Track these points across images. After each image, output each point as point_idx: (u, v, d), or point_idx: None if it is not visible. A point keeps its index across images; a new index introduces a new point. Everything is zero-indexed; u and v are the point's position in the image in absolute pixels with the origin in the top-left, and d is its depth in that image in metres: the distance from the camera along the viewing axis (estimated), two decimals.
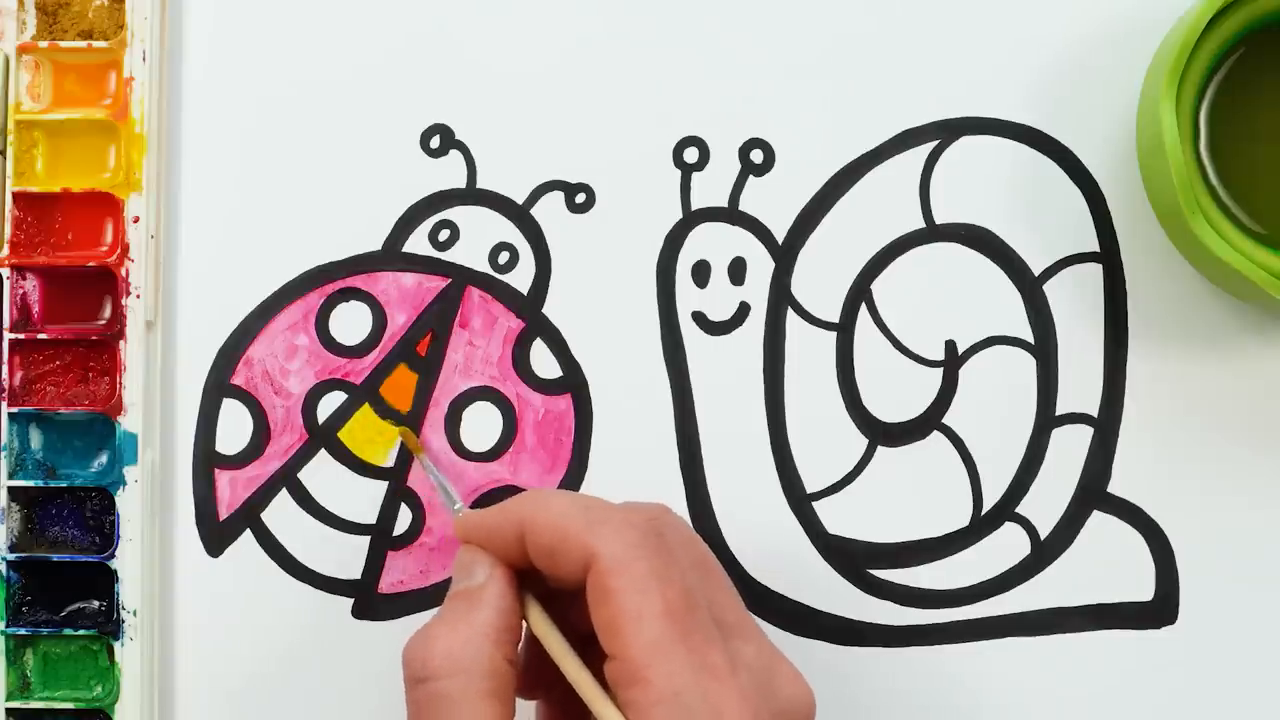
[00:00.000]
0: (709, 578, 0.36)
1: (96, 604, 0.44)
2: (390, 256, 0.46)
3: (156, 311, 0.45)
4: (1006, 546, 0.45)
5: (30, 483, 0.44)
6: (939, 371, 0.45)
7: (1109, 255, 0.45)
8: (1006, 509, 0.45)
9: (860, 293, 0.45)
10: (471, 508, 0.45)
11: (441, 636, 0.35)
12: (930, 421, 0.45)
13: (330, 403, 0.45)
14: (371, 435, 0.45)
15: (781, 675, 0.35)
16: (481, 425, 0.45)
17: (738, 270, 0.45)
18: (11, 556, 0.44)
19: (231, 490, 0.45)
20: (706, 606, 0.34)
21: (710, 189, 0.45)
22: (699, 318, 0.45)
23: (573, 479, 0.45)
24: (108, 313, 0.45)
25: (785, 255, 0.45)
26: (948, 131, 0.45)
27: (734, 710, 0.32)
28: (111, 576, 0.44)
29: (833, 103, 0.45)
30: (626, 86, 0.46)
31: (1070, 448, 0.45)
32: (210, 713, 0.45)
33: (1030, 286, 0.45)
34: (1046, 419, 0.45)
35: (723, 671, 0.33)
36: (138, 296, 0.44)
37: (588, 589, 0.34)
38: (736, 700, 0.33)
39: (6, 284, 0.44)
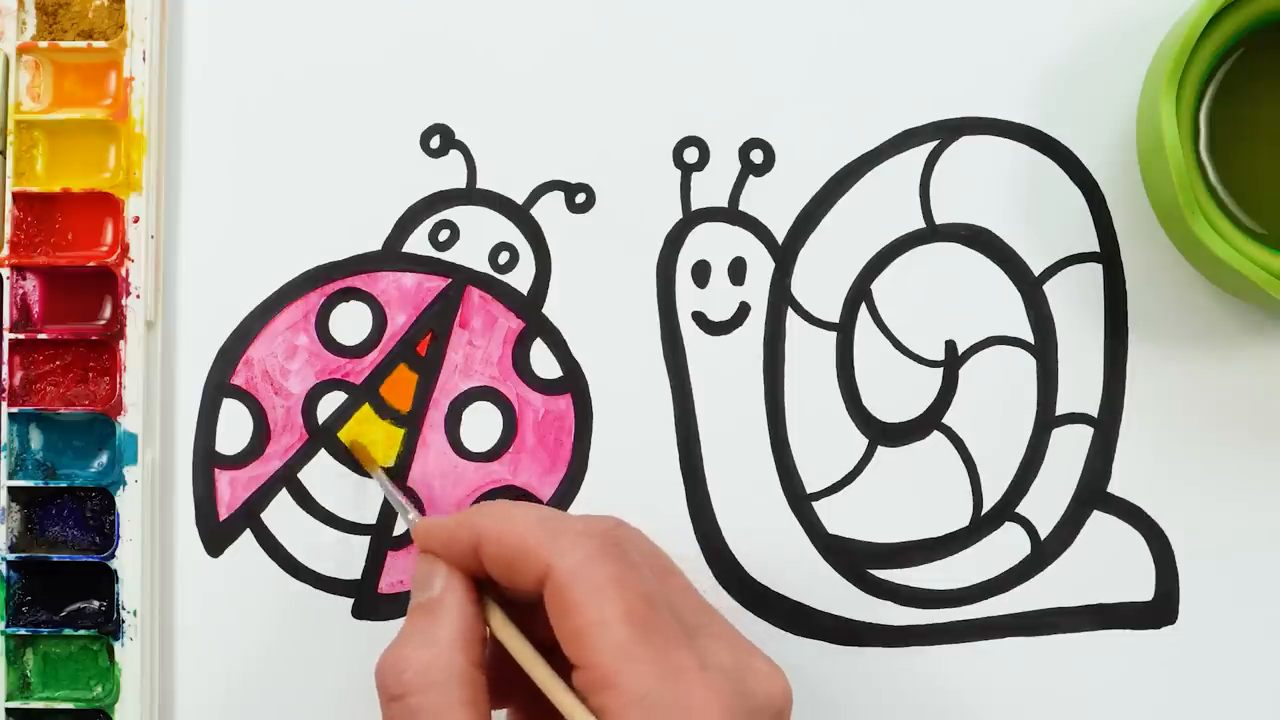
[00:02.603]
0: (669, 581, 0.36)
1: (96, 604, 0.44)
2: (390, 256, 0.46)
3: (156, 311, 0.45)
4: (1006, 546, 0.45)
5: (30, 483, 0.44)
6: (939, 371, 0.45)
7: (1109, 255, 0.45)
8: (1006, 509, 0.45)
9: (860, 293, 0.45)
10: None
11: (410, 651, 0.35)
12: (930, 421, 0.45)
13: (330, 403, 0.45)
14: (371, 436, 0.45)
15: (754, 670, 0.35)
16: (481, 425, 0.45)
17: (738, 270, 0.45)
18: (11, 556, 0.44)
19: (231, 490, 0.45)
20: (669, 609, 0.35)
21: (710, 189, 0.45)
22: (699, 318, 0.45)
23: (573, 479, 0.45)
24: (108, 313, 0.45)
25: (785, 255, 0.45)
26: (947, 131, 0.45)
27: (704, 707, 0.32)
28: (111, 576, 0.44)
29: (832, 103, 0.45)
30: (626, 86, 0.46)
31: (1070, 448, 0.45)
32: (210, 713, 0.45)
33: (1030, 286, 0.45)
34: (1046, 419, 0.45)
35: (690, 670, 0.33)
36: (138, 296, 0.44)
37: (547, 601, 0.34)
38: (706, 697, 0.33)
39: (6, 284, 0.44)
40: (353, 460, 0.45)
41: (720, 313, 0.45)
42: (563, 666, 0.35)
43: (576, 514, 0.37)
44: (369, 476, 0.45)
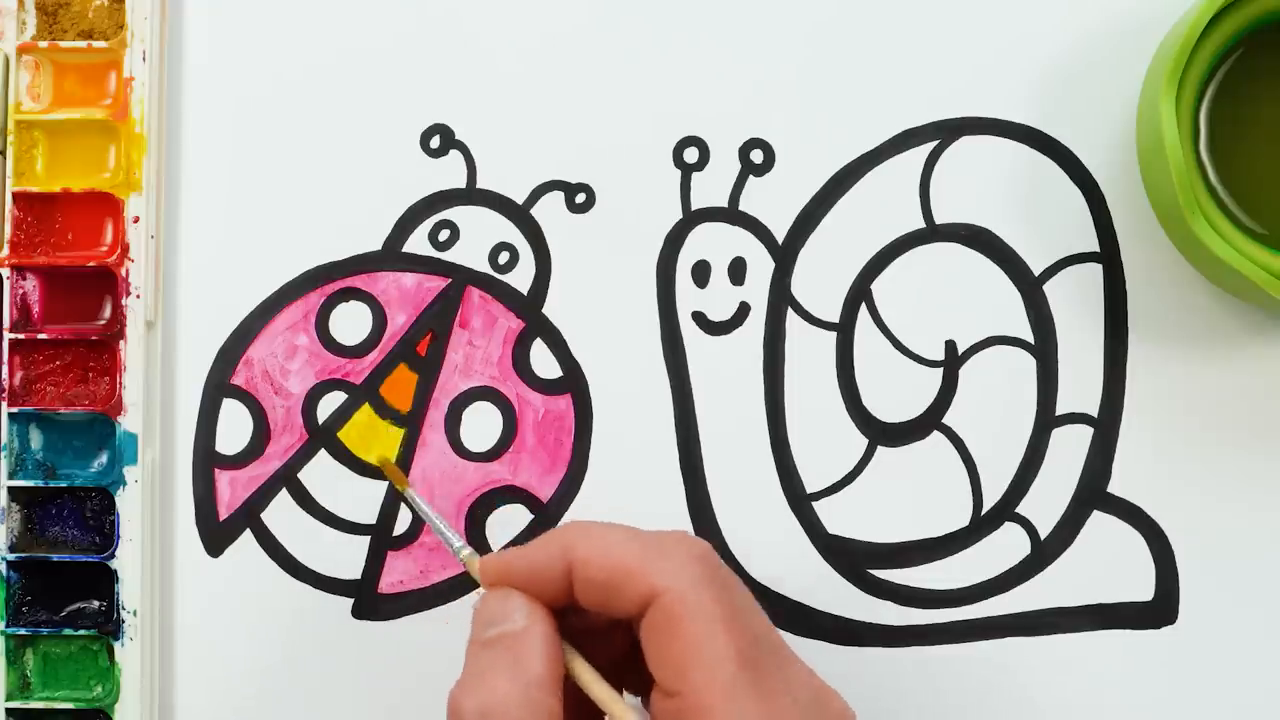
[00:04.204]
0: (757, 613, 0.35)
1: (96, 604, 0.44)
2: (390, 256, 0.46)
3: (156, 311, 0.45)
4: (1006, 546, 0.44)
5: (30, 483, 0.44)
6: (939, 371, 0.45)
7: (1109, 255, 0.45)
8: (1006, 509, 0.45)
9: (860, 293, 0.45)
10: (469, 513, 0.45)
11: (497, 692, 0.33)
12: (930, 421, 0.45)
13: (330, 403, 0.45)
14: (371, 436, 0.45)
15: (829, 704, 0.34)
16: (481, 425, 0.45)
17: (738, 270, 0.45)
18: (11, 556, 0.44)
19: (231, 490, 0.45)
20: (765, 643, 0.34)
21: (710, 189, 0.45)
22: (699, 318, 0.45)
23: (573, 479, 0.45)
24: (108, 313, 0.45)
25: (785, 255, 0.45)
26: (947, 131, 0.45)
27: None
28: (111, 576, 0.44)
29: (833, 103, 0.45)
30: (627, 86, 0.46)
31: (1070, 448, 0.45)
32: (210, 713, 0.45)
33: (1030, 286, 0.45)
34: (1046, 419, 0.45)
35: (787, 711, 0.32)
36: (138, 296, 0.44)
37: (648, 626, 0.33)
38: None
39: (6, 284, 0.44)
40: (353, 460, 0.45)
41: (720, 313, 0.45)
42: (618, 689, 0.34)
43: (657, 531, 0.35)
44: (371, 477, 0.45)
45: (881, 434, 0.45)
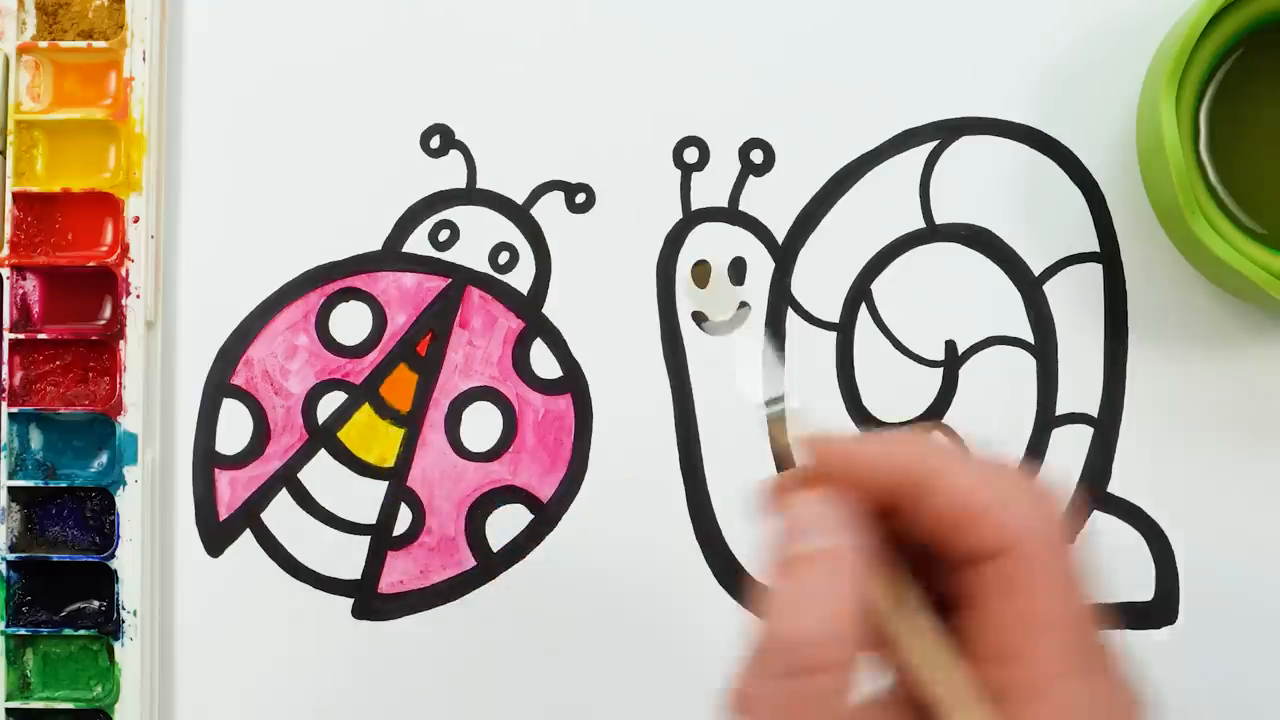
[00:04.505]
0: (1084, 578, 0.30)
1: (96, 604, 0.44)
2: (390, 256, 0.46)
3: (156, 311, 0.45)
4: None
5: (30, 483, 0.44)
6: (939, 371, 0.45)
7: (1109, 255, 0.45)
8: None
9: (860, 293, 0.45)
10: (469, 513, 0.45)
11: (821, 621, 0.28)
12: (930, 421, 0.45)
13: (330, 403, 0.45)
14: (371, 436, 0.45)
15: (1134, 682, 0.30)
16: (481, 425, 0.45)
17: (738, 270, 0.45)
18: (11, 556, 0.44)
19: (231, 490, 0.45)
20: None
21: (710, 189, 0.45)
22: (699, 317, 0.45)
23: (573, 479, 0.45)
24: (108, 313, 0.45)
25: (785, 255, 0.45)
26: (947, 131, 0.45)
27: None
28: (111, 576, 0.44)
29: (833, 103, 0.45)
30: (627, 86, 0.46)
31: (1070, 448, 0.44)
32: (210, 713, 0.45)
33: (1030, 286, 0.45)
34: (1046, 419, 0.45)
35: (1117, 691, 0.29)
36: (138, 296, 0.44)
37: (988, 580, 0.29)
38: None
39: (6, 284, 0.44)
40: (353, 460, 0.45)
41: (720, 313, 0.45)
42: None
43: (1002, 464, 0.31)
44: (371, 477, 0.45)
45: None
